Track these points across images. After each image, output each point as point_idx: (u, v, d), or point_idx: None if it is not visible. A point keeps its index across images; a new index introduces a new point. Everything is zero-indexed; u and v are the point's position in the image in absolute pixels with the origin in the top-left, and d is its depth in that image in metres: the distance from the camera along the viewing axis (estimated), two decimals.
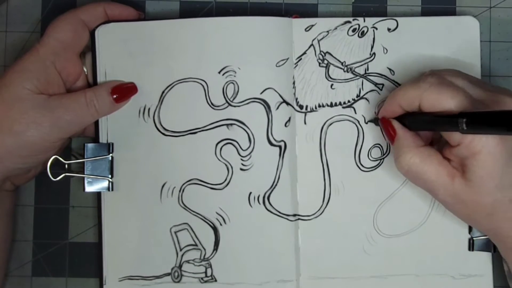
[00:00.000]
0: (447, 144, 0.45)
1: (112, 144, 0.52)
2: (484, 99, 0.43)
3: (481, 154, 0.42)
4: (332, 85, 0.53)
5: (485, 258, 0.52)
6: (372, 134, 0.53)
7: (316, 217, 0.53)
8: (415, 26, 0.53)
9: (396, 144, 0.47)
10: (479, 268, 0.52)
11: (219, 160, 0.52)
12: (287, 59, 0.52)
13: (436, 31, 0.53)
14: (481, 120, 0.39)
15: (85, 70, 0.52)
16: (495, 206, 0.44)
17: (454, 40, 0.53)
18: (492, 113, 0.38)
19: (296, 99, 0.53)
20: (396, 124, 0.48)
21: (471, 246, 0.52)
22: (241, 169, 0.52)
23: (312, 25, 0.53)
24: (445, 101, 0.43)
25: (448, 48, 0.53)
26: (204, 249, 0.52)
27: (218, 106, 0.52)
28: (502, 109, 0.42)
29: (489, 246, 0.52)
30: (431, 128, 0.46)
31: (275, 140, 0.52)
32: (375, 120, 0.53)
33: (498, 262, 0.53)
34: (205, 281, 0.52)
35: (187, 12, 0.56)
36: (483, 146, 0.42)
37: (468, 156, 0.43)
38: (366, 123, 0.53)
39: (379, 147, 0.53)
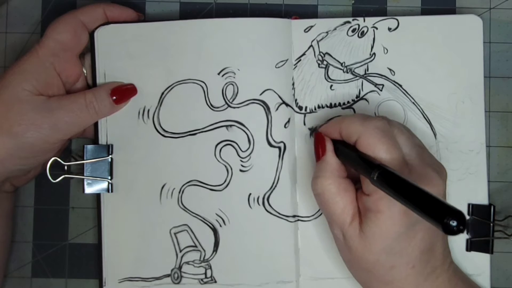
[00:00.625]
0: (361, 188, 0.45)
1: (112, 145, 0.52)
2: (414, 166, 0.43)
3: (383, 214, 0.42)
4: (331, 86, 0.53)
5: (482, 258, 0.52)
6: None
7: (315, 218, 0.52)
8: (416, 25, 0.53)
9: (320, 165, 0.47)
10: (477, 268, 0.52)
11: (218, 161, 0.52)
12: (287, 60, 0.52)
13: (438, 30, 0.53)
14: (392, 182, 0.38)
15: (85, 71, 0.52)
16: (376, 266, 0.44)
17: (457, 39, 0.53)
18: (405, 182, 0.37)
19: (296, 100, 0.53)
20: (329, 146, 0.47)
21: (469, 247, 0.52)
22: (241, 170, 0.52)
23: (311, 26, 0.53)
24: (378, 150, 0.43)
25: (450, 47, 0.53)
26: (204, 250, 0.52)
27: (217, 107, 0.52)
28: (423, 183, 0.42)
29: (487, 247, 0.52)
30: (353, 165, 0.45)
31: (274, 141, 0.52)
32: (313, 131, 0.52)
33: (495, 262, 0.53)
34: (205, 282, 0.52)
35: (187, 13, 0.56)
36: (388, 208, 0.42)
37: (372, 210, 0.43)
38: (309, 129, 0.53)
39: None
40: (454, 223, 0.32)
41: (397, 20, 0.53)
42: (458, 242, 0.52)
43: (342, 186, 0.45)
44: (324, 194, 0.45)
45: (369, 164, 0.41)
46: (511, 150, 0.55)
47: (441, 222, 0.33)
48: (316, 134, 0.49)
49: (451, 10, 0.55)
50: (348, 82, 0.53)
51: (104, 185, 0.52)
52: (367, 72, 0.53)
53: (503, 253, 0.54)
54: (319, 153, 0.47)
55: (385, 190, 0.39)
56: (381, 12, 0.55)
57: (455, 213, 0.32)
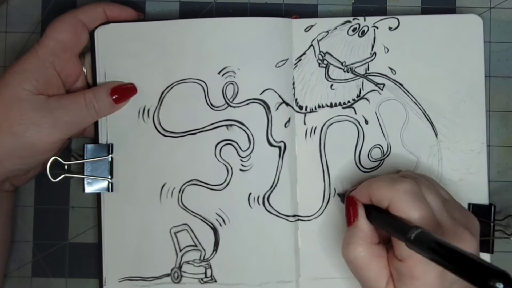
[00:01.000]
0: (392, 253, 0.44)
1: (112, 145, 0.52)
2: (446, 225, 0.43)
3: (418, 281, 0.41)
4: (332, 85, 0.53)
5: (483, 259, 0.52)
6: (373, 135, 0.53)
7: (315, 217, 0.52)
8: (417, 24, 0.53)
9: (352, 230, 0.46)
10: None
11: (218, 160, 0.52)
12: (287, 59, 0.52)
13: (439, 29, 0.53)
14: (429, 244, 0.37)
15: (85, 71, 0.52)
16: None
17: (457, 39, 0.53)
18: (443, 244, 0.37)
19: (296, 99, 0.53)
20: (361, 211, 0.46)
21: None
22: (241, 170, 0.52)
23: (312, 26, 0.53)
24: (411, 214, 0.42)
25: (451, 46, 0.53)
26: (204, 250, 0.52)
27: (217, 107, 0.52)
28: (457, 242, 0.41)
29: (487, 247, 0.52)
30: (387, 229, 0.44)
31: (274, 140, 0.52)
32: (342, 196, 0.52)
33: (496, 263, 0.53)
34: (205, 282, 0.52)
35: (187, 12, 0.56)
36: (423, 275, 0.41)
37: (406, 276, 0.42)
38: (334, 196, 0.52)
39: (379, 148, 0.53)
40: (500, 286, 0.31)
41: (397, 19, 0.53)
42: None
43: (375, 252, 0.45)
44: (357, 261, 0.45)
45: (405, 227, 0.40)
46: (511, 149, 0.55)
47: (486, 285, 0.32)
48: (348, 198, 0.48)
49: (451, 9, 0.55)
50: (348, 81, 0.53)
51: (104, 184, 0.52)
52: (367, 72, 0.53)
53: (503, 252, 0.54)
54: (350, 218, 0.46)
55: (422, 253, 0.38)
56: (381, 11, 0.55)
57: (501, 275, 0.32)
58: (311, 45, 0.53)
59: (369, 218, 0.46)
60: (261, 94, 0.52)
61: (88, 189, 0.52)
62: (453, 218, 0.44)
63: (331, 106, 0.53)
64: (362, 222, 0.46)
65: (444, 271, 0.40)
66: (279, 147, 0.52)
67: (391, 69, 0.53)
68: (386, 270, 0.44)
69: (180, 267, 0.52)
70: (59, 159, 0.51)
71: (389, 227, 0.43)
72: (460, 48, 0.53)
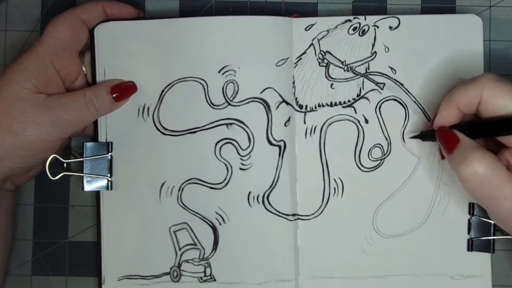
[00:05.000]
0: (503, 150, 0.43)
1: (111, 143, 0.52)
2: None
3: None
4: (332, 84, 0.53)
5: (484, 258, 0.52)
6: (373, 134, 0.53)
7: (315, 217, 0.52)
8: (417, 24, 0.53)
9: (459, 151, 0.44)
10: (478, 269, 0.52)
11: (218, 159, 0.52)
12: (287, 58, 0.52)
13: (439, 29, 0.53)
14: None
15: (84, 69, 0.52)
16: None
17: (457, 38, 0.53)
18: None
19: (296, 98, 0.53)
20: (458, 133, 0.45)
21: (470, 247, 0.52)
22: (241, 169, 0.52)
23: (312, 25, 0.53)
24: (508, 95, 0.41)
25: (450, 46, 0.53)
26: (203, 249, 0.52)
27: (217, 106, 0.52)
28: None
29: (488, 246, 0.52)
30: (497, 132, 0.43)
31: (274, 139, 0.52)
32: (423, 136, 0.51)
33: (497, 262, 0.53)
34: (204, 281, 0.52)
35: (186, 11, 0.56)
36: None
37: None
38: (402, 137, 0.52)
39: (379, 147, 0.53)
40: None
41: (398, 18, 0.53)
42: (459, 242, 0.52)
43: (492, 160, 0.42)
44: (478, 175, 0.42)
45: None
46: None
47: None
48: (440, 129, 0.46)
49: (451, 7, 0.55)
50: (348, 80, 0.53)
51: (103, 182, 0.52)
52: (368, 71, 0.53)
53: (503, 251, 0.54)
54: (451, 144, 0.45)
55: None
56: (381, 10, 0.55)
57: None
58: (312, 44, 0.53)
59: (469, 134, 0.45)
60: (261, 93, 0.52)
61: (88, 187, 0.52)
62: None
63: (331, 105, 0.53)
64: (465, 140, 0.44)
65: None
66: (279, 146, 0.52)
67: (391, 68, 0.53)
68: (509, 172, 0.42)
69: (179, 265, 0.52)
70: (58, 157, 0.51)
71: (498, 127, 0.42)
72: (459, 48, 0.53)
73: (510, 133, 0.42)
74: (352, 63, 0.53)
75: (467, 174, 0.43)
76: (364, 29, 0.53)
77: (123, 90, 0.51)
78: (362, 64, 0.53)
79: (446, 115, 0.47)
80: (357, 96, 0.53)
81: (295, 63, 0.53)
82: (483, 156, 0.42)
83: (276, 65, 0.52)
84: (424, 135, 0.51)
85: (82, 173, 0.52)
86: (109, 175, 0.52)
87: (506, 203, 0.42)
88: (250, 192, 0.52)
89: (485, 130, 0.45)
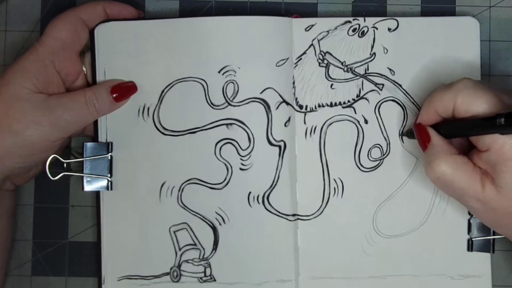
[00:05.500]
0: (475, 150, 0.45)
1: (111, 143, 0.52)
2: None
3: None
4: (332, 85, 0.53)
5: (484, 258, 0.52)
6: (372, 134, 0.53)
7: (315, 217, 0.52)
8: (415, 26, 0.53)
9: (429, 151, 0.46)
10: (478, 269, 0.52)
11: (218, 159, 0.52)
12: (287, 59, 0.52)
13: (437, 31, 0.53)
14: None
15: (85, 69, 0.52)
16: None
17: (454, 40, 0.53)
18: None
19: (296, 99, 0.53)
20: (431, 131, 0.47)
21: (470, 247, 0.52)
22: (241, 169, 0.52)
23: (312, 25, 0.53)
24: (479, 102, 0.42)
25: (448, 48, 0.53)
26: (203, 249, 0.52)
27: (217, 106, 0.52)
28: None
29: (488, 246, 0.52)
30: (466, 133, 0.45)
31: (274, 140, 0.52)
32: (408, 133, 0.52)
33: (497, 262, 0.53)
34: (204, 281, 0.52)
35: (186, 11, 0.56)
36: None
37: (498, 162, 0.42)
38: (400, 135, 0.53)
39: (379, 148, 0.53)
40: None
41: (396, 20, 0.53)
42: (459, 242, 0.53)
43: (458, 161, 0.44)
44: (445, 176, 0.44)
45: (486, 119, 0.41)
46: None
47: None
48: (416, 125, 0.48)
49: (450, 8, 0.55)
50: (348, 81, 0.53)
51: (103, 182, 0.52)
52: (367, 72, 0.53)
53: (503, 251, 0.54)
54: (424, 141, 0.47)
55: None
56: (381, 11, 0.55)
57: None
58: (312, 44, 0.53)
59: (443, 134, 0.46)
60: (261, 93, 0.52)
61: (88, 187, 0.52)
62: None
63: (331, 105, 0.53)
64: (436, 139, 0.46)
65: None
66: (279, 146, 0.52)
67: (390, 69, 0.53)
68: (475, 172, 0.44)
69: (179, 266, 0.52)
70: (58, 157, 0.51)
71: (467, 128, 0.44)
72: (457, 49, 0.53)
73: (475, 134, 0.44)
74: (352, 63, 0.53)
75: (433, 175, 0.45)
76: (364, 31, 0.53)
77: (123, 90, 0.51)
78: (362, 65, 0.53)
79: (426, 116, 0.48)
80: (357, 96, 0.53)
81: (295, 63, 0.53)
82: (448, 158, 0.44)
83: (276, 65, 0.52)
84: (410, 133, 0.52)
85: (82, 173, 0.52)
86: (109, 175, 0.52)
87: (473, 203, 0.44)
88: (250, 192, 0.52)
89: (454, 130, 0.46)
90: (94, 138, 0.53)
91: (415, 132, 0.49)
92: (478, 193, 0.43)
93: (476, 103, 0.43)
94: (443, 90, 0.45)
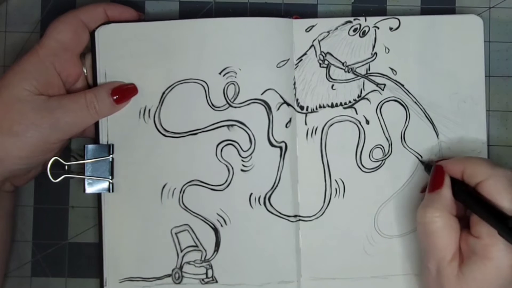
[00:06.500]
0: (465, 230, 0.45)
1: (113, 145, 0.52)
2: None
3: (491, 262, 0.41)
4: (333, 85, 0.53)
5: None
6: (374, 135, 0.53)
7: (317, 218, 0.53)
8: (417, 25, 0.53)
9: (433, 196, 0.46)
10: None
11: (219, 161, 0.52)
12: (288, 60, 0.52)
13: (439, 30, 0.53)
14: None
15: (85, 71, 0.52)
16: None
17: (458, 39, 0.53)
18: None
19: (297, 100, 0.53)
20: (447, 181, 0.47)
21: None
22: (242, 170, 0.52)
23: (313, 26, 0.53)
24: (503, 198, 0.42)
25: (451, 47, 0.53)
26: (205, 250, 0.52)
27: (218, 107, 0.52)
28: None
29: None
30: (473, 208, 0.44)
31: (275, 141, 0.52)
32: (428, 165, 0.51)
33: None
34: (206, 282, 0.52)
35: (186, 12, 0.56)
36: (498, 258, 0.41)
37: (478, 254, 0.42)
38: (422, 162, 0.52)
39: (380, 148, 0.53)
40: None
41: (398, 20, 0.53)
42: None
43: (451, 222, 0.45)
44: (431, 225, 0.45)
45: (502, 214, 0.41)
46: (510, 149, 0.55)
47: None
48: (437, 166, 0.48)
49: (450, 9, 0.55)
50: (349, 81, 0.53)
51: (104, 184, 0.52)
52: (368, 72, 0.53)
53: None
54: (434, 184, 0.47)
55: None
56: (381, 11, 0.55)
57: None
58: (312, 45, 0.53)
59: (454, 192, 0.46)
60: (262, 94, 0.52)
61: (89, 189, 0.52)
62: None
63: (332, 106, 0.53)
64: (446, 191, 0.46)
65: None
66: (280, 147, 0.52)
67: (392, 69, 0.53)
68: (455, 243, 0.44)
69: (181, 267, 0.52)
70: (59, 159, 0.51)
71: (479, 207, 0.43)
72: (460, 48, 0.53)
73: (480, 216, 0.44)
74: (353, 64, 0.53)
75: (423, 218, 0.45)
76: (365, 30, 0.53)
77: (124, 92, 0.51)
78: (363, 65, 0.53)
79: (451, 168, 0.47)
80: (358, 97, 0.53)
81: (295, 64, 0.53)
82: (446, 214, 0.45)
83: (277, 66, 0.52)
84: (427, 166, 0.51)
85: (83, 175, 0.52)
86: (110, 177, 0.52)
87: (432, 266, 0.45)
88: (251, 194, 0.52)
89: (466, 198, 0.46)
90: (95, 140, 0.53)
91: (432, 171, 0.48)
92: (443, 260, 0.44)
93: (504, 196, 0.42)
94: (482, 164, 0.45)
